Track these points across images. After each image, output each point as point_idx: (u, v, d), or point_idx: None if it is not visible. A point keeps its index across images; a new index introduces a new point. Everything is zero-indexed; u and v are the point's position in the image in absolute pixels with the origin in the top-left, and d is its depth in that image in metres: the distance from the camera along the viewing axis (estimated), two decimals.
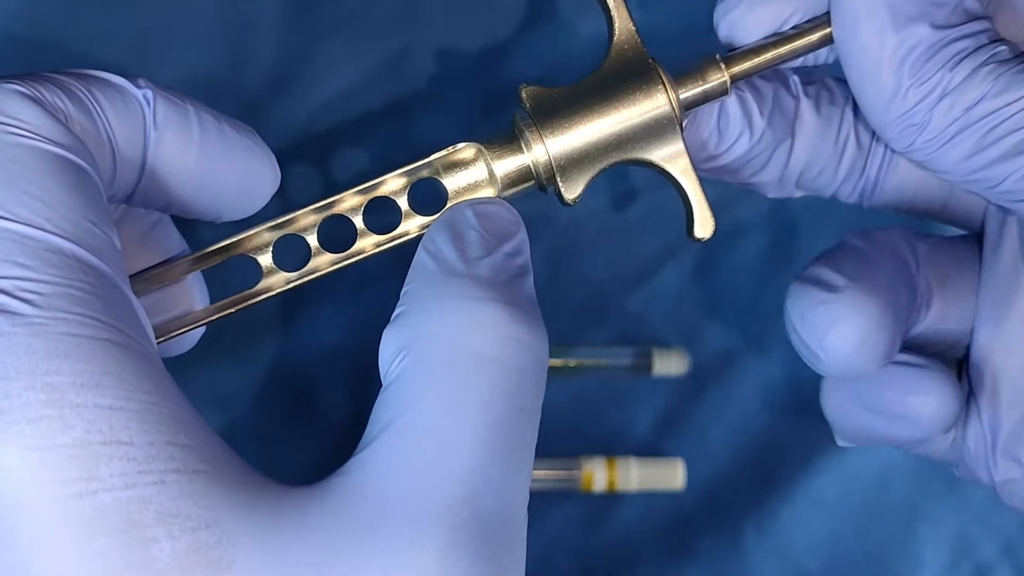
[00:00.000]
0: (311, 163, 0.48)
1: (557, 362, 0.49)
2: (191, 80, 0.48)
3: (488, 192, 0.28)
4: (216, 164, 0.26)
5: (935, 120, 0.26)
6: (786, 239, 0.50)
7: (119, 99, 0.25)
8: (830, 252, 0.32)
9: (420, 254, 0.25)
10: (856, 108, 0.30)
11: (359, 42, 0.48)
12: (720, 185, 0.51)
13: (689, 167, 0.28)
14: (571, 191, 0.28)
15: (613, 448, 0.49)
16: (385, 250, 0.28)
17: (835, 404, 0.33)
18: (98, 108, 0.24)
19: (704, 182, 0.29)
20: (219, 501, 0.20)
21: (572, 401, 0.49)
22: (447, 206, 0.28)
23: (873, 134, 0.31)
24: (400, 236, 0.28)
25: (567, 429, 0.49)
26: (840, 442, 0.34)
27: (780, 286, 0.51)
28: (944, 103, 0.26)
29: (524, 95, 0.28)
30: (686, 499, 0.48)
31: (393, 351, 0.24)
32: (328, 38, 0.48)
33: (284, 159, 0.49)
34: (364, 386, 0.47)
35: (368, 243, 0.28)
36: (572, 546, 0.48)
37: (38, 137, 0.22)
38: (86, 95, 0.24)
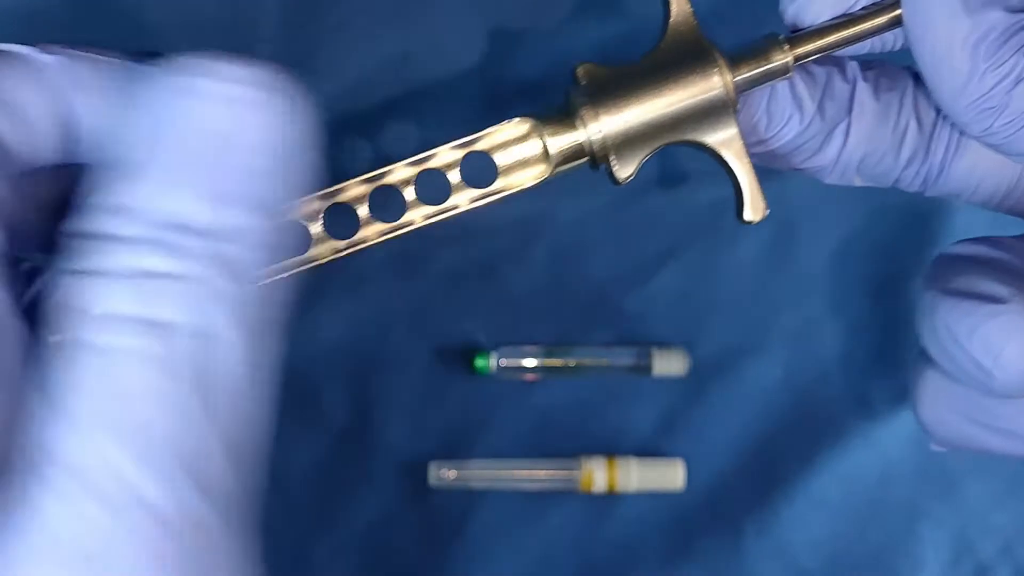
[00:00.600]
0: None
1: (557, 362, 0.49)
2: None
3: (540, 168, 0.28)
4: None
5: (1014, 102, 0.26)
6: (786, 239, 0.50)
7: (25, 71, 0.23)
8: (966, 263, 0.30)
9: None
10: (917, 93, 0.30)
11: (360, 41, 0.48)
12: (718, 186, 0.51)
13: (742, 150, 0.28)
14: (623, 170, 0.28)
15: (613, 448, 0.49)
16: (435, 222, 0.28)
17: (935, 414, 0.31)
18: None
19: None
20: None
21: (572, 401, 0.49)
22: (496, 180, 0.28)
23: (936, 118, 0.30)
24: (450, 209, 0.28)
25: (567, 429, 0.49)
26: (935, 448, 0.33)
27: (780, 286, 0.51)
28: (1023, 86, 0.26)
29: (580, 72, 0.28)
30: (686, 499, 0.48)
31: None
32: (329, 37, 0.48)
33: None
34: (363, 384, 0.47)
35: (418, 215, 0.28)
36: (572, 546, 0.48)
37: None
38: None
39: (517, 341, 0.49)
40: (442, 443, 0.48)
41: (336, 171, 0.48)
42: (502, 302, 0.49)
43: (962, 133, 0.30)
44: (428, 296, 0.49)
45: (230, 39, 0.48)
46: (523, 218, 0.49)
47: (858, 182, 0.31)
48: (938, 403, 0.31)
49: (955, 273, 0.29)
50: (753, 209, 0.28)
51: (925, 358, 0.30)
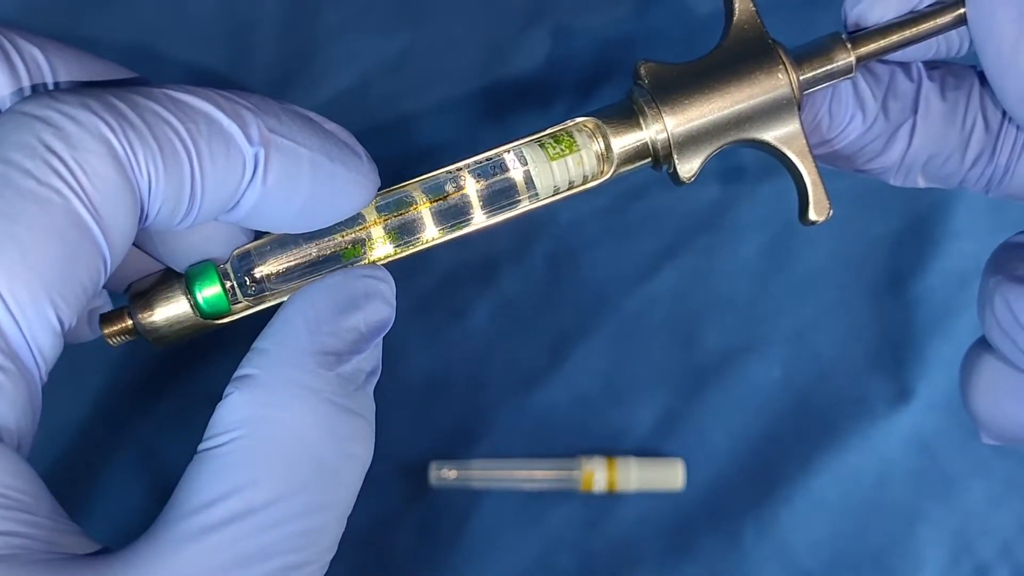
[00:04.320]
0: None
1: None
2: (192, 80, 0.48)
3: (601, 168, 0.28)
4: (320, 204, 0.25)
5: None
6: (785, 240, 0.50)
7: (221, 152, 0.22)
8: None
9: (294, 316, 0.24)
10: (984, 93, 0.30)
11: (359, 42, 0.48)
12: (718, 186, 0.52)
13: (805, 148, 0.28)
14: (687, 170, 0.28)
15: (613, 448, 0.49)
16: (497, 224, 0.28)
17: (990, 404, 0.31)
18: (191, 160, 0.22)
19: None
20: None
21: (572, 401, 0.49)
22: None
23: (1003, 119, 0.30)
24: (511, 209, 0.27)
25: (567, 429, 0.49)
26: (986, 440, 0.32)
27: (779, 287, 0.51)
28: None
29: (643, 71, 0.27)
30: (686, 499, 0.48)
31: (236, 417, 0.23)
32: (327, 40, 0.48)
33: None
34: None
35: (480, 216, 0.27)
36: (572, 546, 0.48)
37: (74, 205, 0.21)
38: (182, 143, 0.22)
39: (517, 341, 0.49)
40: (442, 443, 0.48)
41: None
42: (502, 302, 0.49)
43: None
44: (429, 295, 0.49)
45: (231, 39, 0.48)
46: (521, 219, 0.49)
47: (922, 183, 0.31)
48: (995, 393, 0.31)
49: (1021, 260, 0.29)
50: (817, 209, 0.28)
51: (981, 347, 0.30)
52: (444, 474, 0.47)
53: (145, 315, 0.26)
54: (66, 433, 0.47)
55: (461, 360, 0.49)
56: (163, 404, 0.47)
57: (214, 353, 0.46)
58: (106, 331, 0.26)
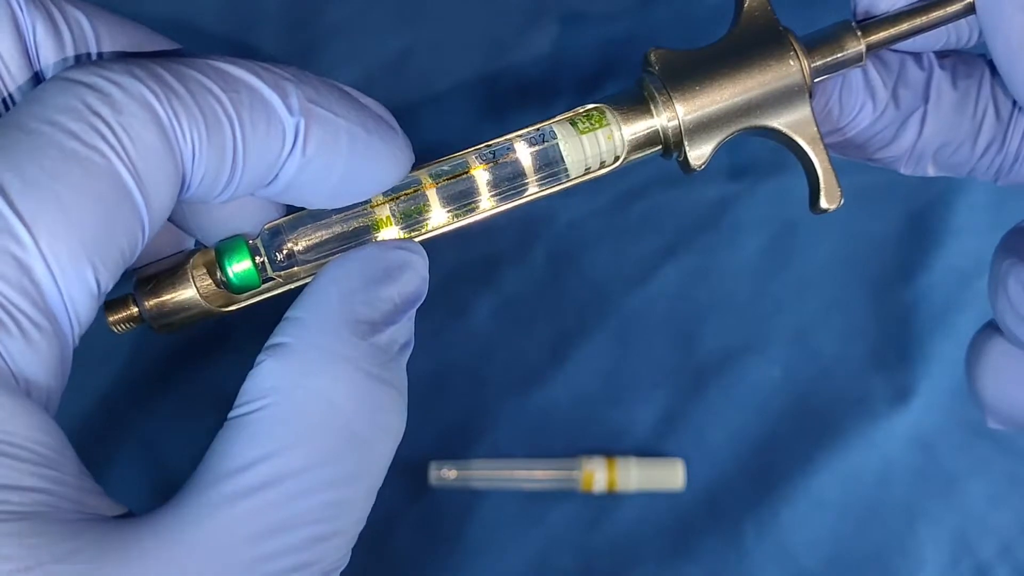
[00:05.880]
0: None
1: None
2: None
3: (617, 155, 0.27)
4: (357, 177, 0.25)
5: None
6: (785, 239, 0.50)
7: (263, 121, 0.23)
8: None
9: (328, 286, 0.24)
10: (994, 81, 0.30)
11: (360, 42, 0.48)
12: (718, 185, 0.52)
13: (816, 136, 0.28)
14: (697, 156, 0.27)
15: (613, 448, 0.49)
16: (504, 211, 0.27)
17: (999, 388, 0.31)
18: (233, 129, 0.22)
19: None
20: (46, 542, 0.20)
21: (572, 401, 0.49)
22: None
23: (1013, 107, 0.30)
24: (521, 196, 0.27)
25: (567, 429, 0.49)
26: (992, 425, 0.32)
27: (779, 286, 0.51)
28: None
29: (653, 58, 0.27)
30: (686, 499, 0.48)
31: (268, 384, 0.22)
32: (330, 38, 0.48)
33: None
34: None
35: (489, 204, 0.27)
36: (572, 546, 0.48)
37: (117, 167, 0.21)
38: (225, 112, 0.22)
39: (518, 340, 0.49)
40: (442, 442, 0.48)
41: None
42: (502, 301, 0.49)
43: None
44: (429, 294, 0.49)
45: (232, 38, 0.48)
46: (523, 218, 0.49)
47: (932, 172, 0.31)
48: (1003, 378, 0.30)
49: None
50: (829, 197, 0.28)
51: (991, 331, 0.30)
52: (444, 474, 0.47)
53: (151, 302, 0.26)
54: (68, 427, 0.47)
55: (461, 359, 0.49)
56: (165, 400, 0.47)
57: (218, 349, 0.46)
58: (111, 318, 0.26)
